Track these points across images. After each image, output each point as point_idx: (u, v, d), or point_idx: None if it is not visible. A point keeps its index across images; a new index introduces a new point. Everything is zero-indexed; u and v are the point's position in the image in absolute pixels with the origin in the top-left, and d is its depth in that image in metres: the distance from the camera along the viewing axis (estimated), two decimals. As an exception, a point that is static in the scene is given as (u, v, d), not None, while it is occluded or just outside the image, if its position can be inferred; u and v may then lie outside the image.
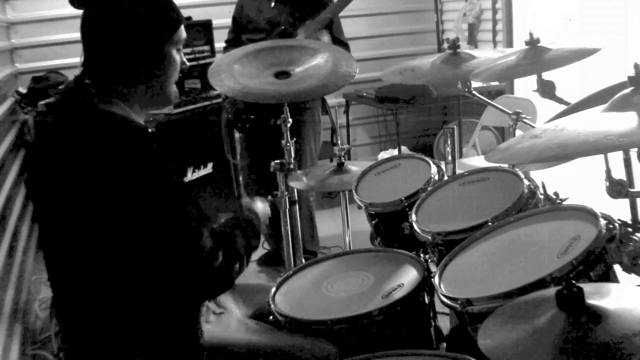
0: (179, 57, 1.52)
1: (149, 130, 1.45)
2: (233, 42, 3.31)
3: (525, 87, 4.06)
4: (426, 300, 1.56)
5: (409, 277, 1.61)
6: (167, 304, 1.41)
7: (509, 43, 4.27)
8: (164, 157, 1.40)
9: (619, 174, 1.37)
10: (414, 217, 1.79)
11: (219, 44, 4.13)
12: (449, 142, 2.24)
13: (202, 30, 4.05)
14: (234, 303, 1.74)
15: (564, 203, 1.61)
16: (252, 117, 3.22)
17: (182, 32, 1.51)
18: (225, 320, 1.64)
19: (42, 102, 3.51)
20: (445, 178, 1.99)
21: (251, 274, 3.53)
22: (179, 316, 1.45)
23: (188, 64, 1.57)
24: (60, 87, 3.60)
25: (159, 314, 1.41)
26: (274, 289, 1.68)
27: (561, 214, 1.49)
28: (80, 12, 1.46)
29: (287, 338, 1.51)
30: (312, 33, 3.11)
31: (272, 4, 3.24)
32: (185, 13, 4.16)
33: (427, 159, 2.11)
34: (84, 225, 1.36)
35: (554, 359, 0.98)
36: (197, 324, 1.51)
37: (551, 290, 1.11)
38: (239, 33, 3.33)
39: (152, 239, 1.34)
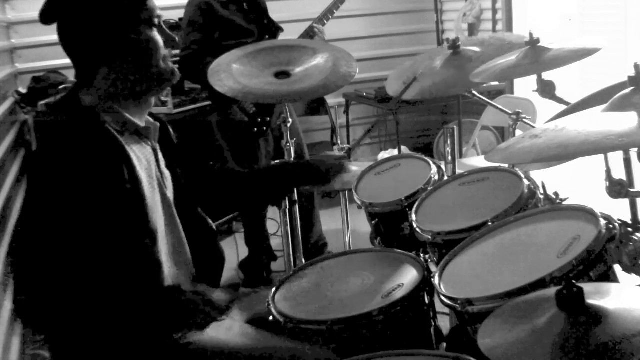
0: (156, 34, 1.48)
1: (123, 135, 1.46)
2: (202, 52, 3.11)
3: (525, 87, 4.06)
4: (426, 300, 1.56)
5: (409, 277, 1.61)
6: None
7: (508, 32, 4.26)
8: (120, 167, 1.42)
9: (619, 174, 1.37)
10: (414, 217, 1.79)
11: (219, 44, 4.14)
12: (449, 142, 2.24)
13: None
14: (233, 309, 1.74)
15: (564, 203, 1.61)
16: (268, 119, 3.19)
17: (150, 10, 1.47)
18: (225, 325, 1.64)
19: (42, 102, 3.51)
20: (445, 178, 1.99)
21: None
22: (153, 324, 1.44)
23: (175, 36, 1.54)
24: (61, 87, 3.60)
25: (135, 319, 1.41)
26: (274, 289, 1.68)
27: (561, 214, 1.49)
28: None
29: (286, 343, 1.50)
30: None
31: (245, 5, 3.23)
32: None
33: (427, 159, 2.11)
34: (71, 227, 1.36)
35: (554, 359, 0.98)
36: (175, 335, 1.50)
37: (551, 290, 1.11)
38: (213, 39, 3.16)
39: (112, 254, 1.35)
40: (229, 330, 1.61)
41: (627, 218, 1.38)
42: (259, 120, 3.20)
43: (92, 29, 1.43)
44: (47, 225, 1.35)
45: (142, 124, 1.53)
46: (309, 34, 3.28)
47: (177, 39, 1.53)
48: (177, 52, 3.44)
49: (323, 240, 3.56)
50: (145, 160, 1.53)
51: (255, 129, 3.22)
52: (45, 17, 1.45)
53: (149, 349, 1.43)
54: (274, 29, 3.27)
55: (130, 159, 1.45)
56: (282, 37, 3.34)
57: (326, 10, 3.44)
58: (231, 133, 3.27)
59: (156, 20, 1.49)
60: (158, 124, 1.59)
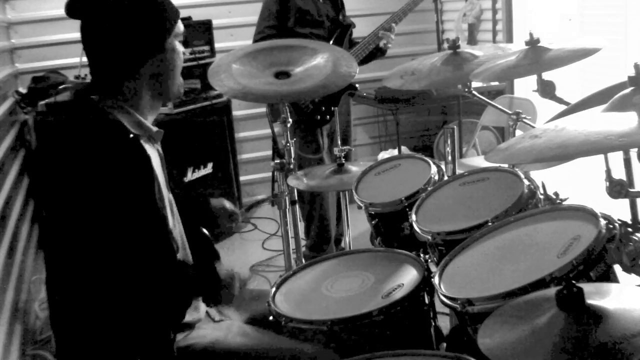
0: (181, 47, 1.55)
1: (140, 139, 1.46)
2: (275, 37, 3.19)
3: (525, 87, 4.06)
4: (426, 300, 1.56)
5: (409, 277, 1.61)
6: (147, 308, 1.41)
7: (509, 43, 4.26)
8: (145, 169, 1.42)
9: (619, 174, 1.37)
10: (414, 217, 1.79)
11: (219, 44, 4.14)
12: (449, 142, 2.24)
13: (202, 30, 4.05)
14: (232, 309, 1.74)
15: (564, 203, 1.61)
16: (332, 108, 3.26)
17: (181, 25, 1.54)
18: (224, 326, 1.64)
19: (42, 102, 3.51)
20: (445, 178, 1.99)
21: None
22: (156, 322, 1.45)
23: (187, 54, 1.60)
24: (60, 87, 3.60)
25: (142, 317, 1.41)
26: (274, 289, 1.68)
27: (561, 214, 1.49)
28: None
29: (287, 342, 1.50)
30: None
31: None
32: (185, 13, 4.19)
33: (427, 159, 2.11)
34: (73, 225, 1.37)
35: (554, 359, 0.98)
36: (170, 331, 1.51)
37: (551, 290, 1.11)
38: (286, 26, 3.26)
39: (126, 249, 1.36)
40: (228, 330, 1.61)
41: (627, 218, 1.38)
42: (323, 108, 3.28)
43: (123, 29, 1.43)
44: (76, 221, 1.36)
45: (154, 129, 1.54)
46: (377, 35, 3.38)
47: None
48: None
49: (341, 237, 3.60)
50: (157, 162, 1.54)
51: (319, 117, 3.30)
52: (72, 9, 1.44)
53: (152, 349, 1.43)
54: (345, 25, 3.40)
55: (150, 160, 1.46)
56: (356, 33, 3.47)
57: (401, 9, 3.53)
58: (298, 120, 3.31)
59: (181, 38, 1.53)
60: (162, 130, 1.61)
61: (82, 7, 1.44)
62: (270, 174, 4.12)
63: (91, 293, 1.37)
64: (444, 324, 1.69)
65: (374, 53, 3.43)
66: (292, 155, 2.36)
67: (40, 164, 1.47)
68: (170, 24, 1.49)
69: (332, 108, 3.26)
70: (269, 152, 4.05)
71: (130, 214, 1.37)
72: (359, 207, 2.06)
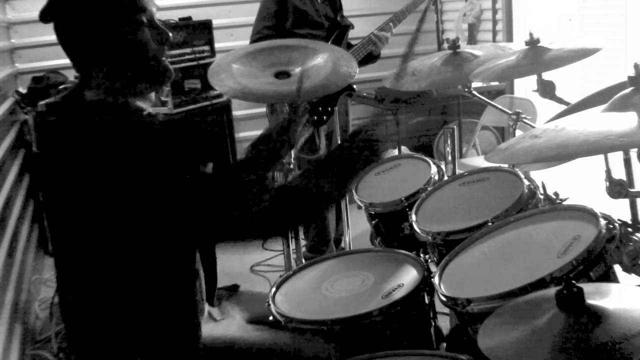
0: (147, 33, 1.48)
1: (152, 118, 1.46)
2: (272, 38, 3.16)
3: (525, 87, 4.06)
4: (426, 300, 1.56)
5: (409, 277, 1.61)
6: (168, 302, 1.41)
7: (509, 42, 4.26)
8: (167, 147, 1.42)
9: (619, 174, 1.37)
10: (414, 217, 1.79)
11: (219, 44, 4.14)
12: (449, 142, 2.24)
13: (202, 30, 4.05)
14: (234, 310, 1.74)
15: (564, 203, 1.61)
16: (329, 109, 3.25)
17: (149, 12, 1.48)
18: (226, 324, 1.64)
19: (42, 102, 3.51)
20: (445, 178, 1.99)
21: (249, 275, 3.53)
22: (179, 315, 1.45)
23: (170, 34, 1.52)
24: (61, 87, 3.60)
25: (160, 312, 1.41)
26: (274, 289, 1.68)
27: (561, 214, 1.49)
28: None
29: (288, 338, 1.51)
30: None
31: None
32: (185, 13, 4.17)
33: (427, 159, 2.12)
34: (89, 222, 1.36)
35: (554, 359, 0.98)
36: (197, 325, 1.51)
37: (551, 290, 1.11)
38: (284, 27, 3.25)
39: (150, 232, 1.35)
40: (228, 327, 1.61)
41: (627, 218, 1.38)
42: (320, 109, 3.26)
43: (88, 29, 1.43)
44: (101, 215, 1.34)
45: (151, 110, 1.54)
46: (375, 35, 3.38)
47: (170, 36, 1.54)
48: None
49: (341, 237, 3.60)
50: None
51: (315, 117, 3.28)
52: (44, 15, 1.45)
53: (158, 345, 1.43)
54: (344, 25, 3.39)
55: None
56: (352, 33, 3.45)
57: (400, 11, 3.52)
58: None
59: (145, 19, 1.49)
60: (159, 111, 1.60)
61: (50, 11, 1.44)
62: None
63: (114, 286, 1.37)
64: (444, 324, 1.69)
65: (371, 56, 3.43)
66: (292, 155, 2.36)
67: (50, 163, 1.45)
68: (139, 13, 1.47)
69: (329, 109, 3.26)
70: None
71: (161, 189, 1.36)
72: (359, 207, 2.06)
